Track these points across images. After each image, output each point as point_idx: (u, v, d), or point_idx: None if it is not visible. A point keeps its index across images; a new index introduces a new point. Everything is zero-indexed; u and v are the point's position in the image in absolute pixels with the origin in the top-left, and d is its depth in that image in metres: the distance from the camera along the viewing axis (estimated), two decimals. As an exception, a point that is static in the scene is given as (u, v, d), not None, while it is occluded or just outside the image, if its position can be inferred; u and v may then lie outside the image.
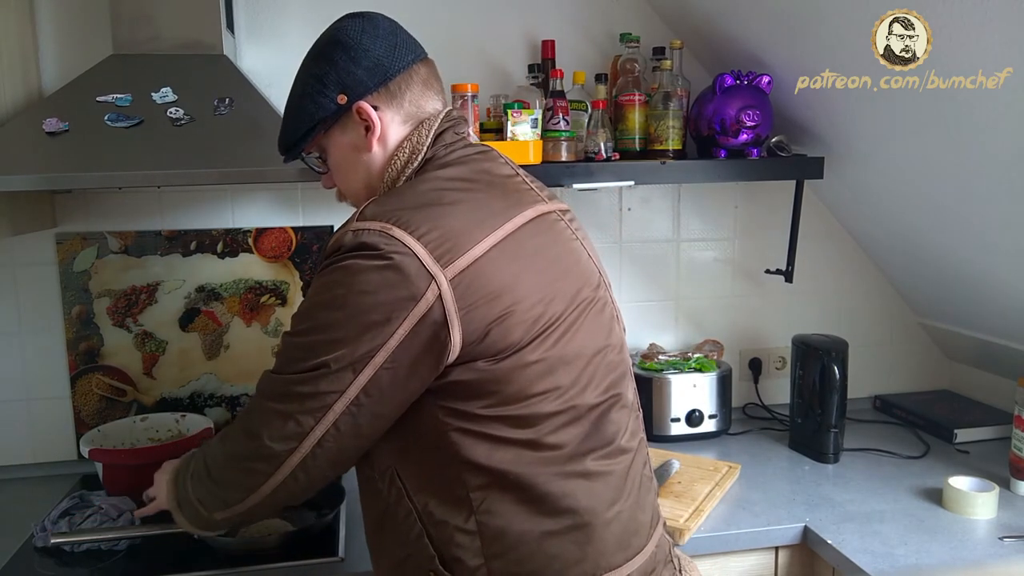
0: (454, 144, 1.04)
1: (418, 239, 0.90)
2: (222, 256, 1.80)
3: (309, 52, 1.05)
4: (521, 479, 0.95)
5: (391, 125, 1.03)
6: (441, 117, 1.05)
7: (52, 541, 1.37)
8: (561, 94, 1.67)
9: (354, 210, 1.08)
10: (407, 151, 1.02)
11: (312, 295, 0.95)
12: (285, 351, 0.98)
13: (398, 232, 0.91)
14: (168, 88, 1.43)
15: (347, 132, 1.03)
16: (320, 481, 0.99)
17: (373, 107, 1.01)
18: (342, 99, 1.00)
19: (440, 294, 0.90)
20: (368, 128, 1.02)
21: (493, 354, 0.93)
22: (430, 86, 1.06)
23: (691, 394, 1.86)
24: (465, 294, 0.91)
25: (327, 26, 1.90)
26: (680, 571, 1.11)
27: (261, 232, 1.81)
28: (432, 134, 1.03)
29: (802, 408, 1.81)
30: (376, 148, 1.03)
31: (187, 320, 1.80)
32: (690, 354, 1.96)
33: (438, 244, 0.91)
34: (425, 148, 1.02)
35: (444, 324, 0.90)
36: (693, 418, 1.86)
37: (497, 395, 0.94)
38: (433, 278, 0.89)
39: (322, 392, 0.92)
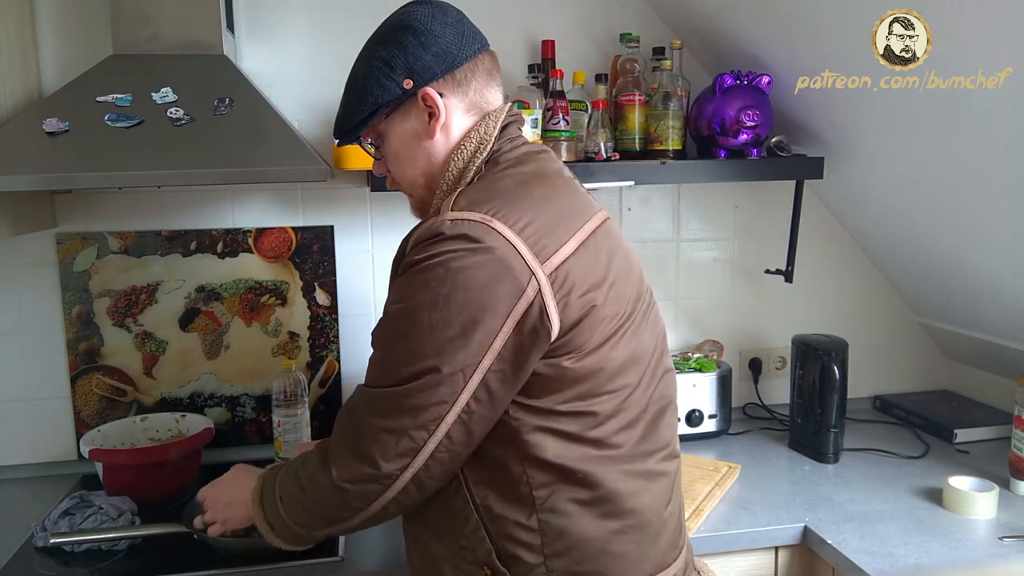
0: (517, 139, 1.04)
1: (517, 233, 0.90)
2: (222, 256, 1.80)
3: (374, 36, 1.03)
4: (588, 477, 0.95)
5: (455, 113, 1.01)
6: (506, 110, 1.04)
7: (52, 541, 1.37)
8: (561, 94, 1.67)
9: (408, 203, 1.12)
10: (474, 141, 1.01)
11: (409, 293, 0.92)
12: (384, 357, 0.95)
13: (498, 225, 0.90)
14: (168, 88, 1.43)
15: (409, 118, 1.02)
16: (431, 490, 0.96)
17: (439, 94, 1.00)
18: (408, 84, 0.99)
19: (540, 289, 0.89)
20: (432, 115, 1.00)
21: (574, 350, 0.93)
22: (493, 77, 1.05)
23: (691, 394, 1.86)
24: (560, 290, 0.91)
25: (327, 26, 1.90)
26: (700, 573, 1.13)
27: (261, 232, 1.81)
28: (498, 126, 1.02)
29: (802, 408, 1.81)
30: (439, 136, 1.01)
31: (187, 320, 1.80)
32: (690, 354, 1.96)
33: (536, 239, 0.91)
34: (492, 140, 1.01)
35: (543, 319, 0.90)
36: (693, 418, 1.86)
37: (573, 392, 0.94)
38: (533, 273, 0.89)
39: (434, 403, 0.90)
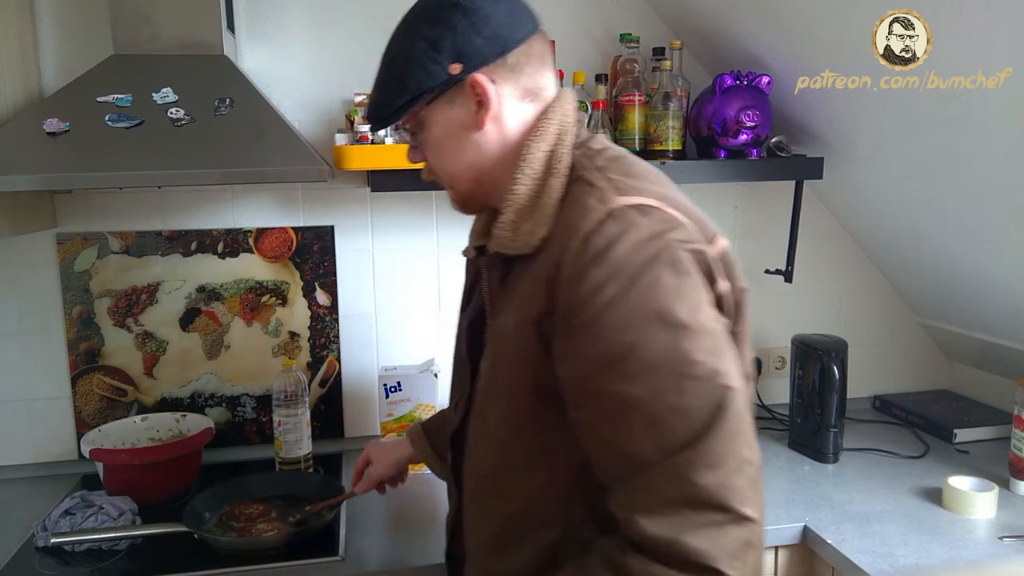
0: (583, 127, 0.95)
1: (688, 218, 0.83)
2: (223, 256, 1.80)
3: (415, 13, 0.91)
4: None
5: (507, 101, 0.90)
6: (574, 94, 0.95)
7: (53, 541, 1.37)
8: (561, 94, 1.66)
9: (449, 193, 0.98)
10: (554, 125, 0.89)
11: (649, 306, 0.76)
12: (676, 404, 0.75)
13: (670, 212, 0.81)
14: (168, 88, 1.43)
15: (454, 106, 0.90)
16: None
17: (491, 81, 0.88)
18: (455, 69, 0.87)
19: (723, 271, 0.83)
20: (481, 104, 0.88)
21: (737, 345, 0.86)
22: (546, 60, 0.93)
23: (691, 394, 1.86)
24: (730, 274, 0.85)
25: (327, 26, 1.89)
26: None
27: (261, 232, 1.81)
28: (574, 110, 0.93)
29: (802, 408, 1.81)
30: (489, 127, 0.90)
31: (187, 320, 1.80)
32: (690, 354, 1.96)
33: (701, 225, 0.84)
34: (572, 125, 0.91)
35: (727, 303, 0.83)
36: (693, 418, 1.86)
37: None
38: (713, 256, 0.83)
39: (747, 410, 0.78)
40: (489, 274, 0.95)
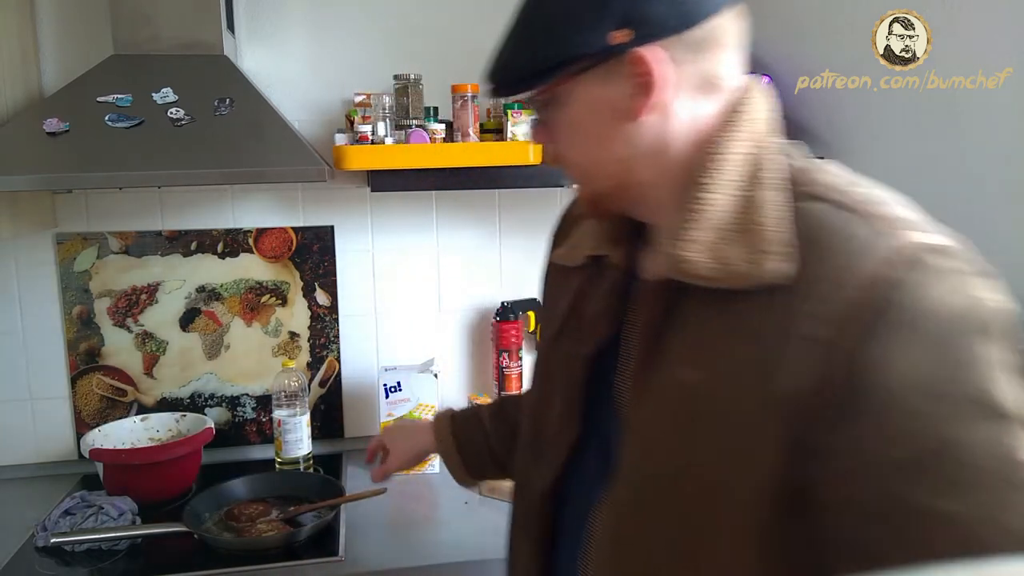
0: None
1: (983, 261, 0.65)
2: (222, 256, 1.80)
3: None
4: None
5: (678, 90, 0.67)
6: (765, 85, 0.75)
7: (53, 540, 1.37)
8: (561, 94, 1.66)
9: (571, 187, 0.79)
10: (755, 126, 0.70)
11: (953, 387, 0.56)
12: (994, 513, 0.54)
13: (971, 255, 0.65)
14: (168, 88, 1.44)
15: (608, 85, 0.67)
16: None
17: (670, 60, 0.65)
18: (619, 37, 0.64)
19: None
20: (643, 86, 0.65)
21: None
22: (736, 44, 0.71)
23: (691, 394, 1.85)
24: None
25: (327, 26, 1.88)
26: None
27: (261, 232, 1.81)
28: (770, 104, 0.74)
29: (802, 408, 1.81)
30: (649, 117, 0.67)
31: (187, 320, 1.80)
32: (690, 354, 1.96)
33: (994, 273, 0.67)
34: (774, 124, 0.73)
35: None
36: (693, 418, 1.86)
37: None
38: None
39: None
40: (649, 306, 0.71)
